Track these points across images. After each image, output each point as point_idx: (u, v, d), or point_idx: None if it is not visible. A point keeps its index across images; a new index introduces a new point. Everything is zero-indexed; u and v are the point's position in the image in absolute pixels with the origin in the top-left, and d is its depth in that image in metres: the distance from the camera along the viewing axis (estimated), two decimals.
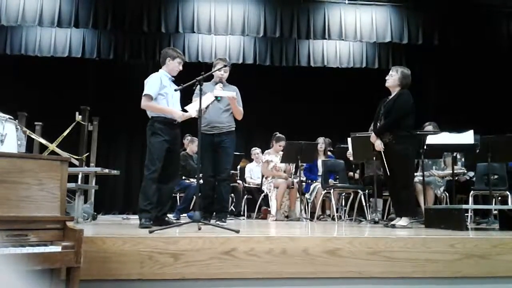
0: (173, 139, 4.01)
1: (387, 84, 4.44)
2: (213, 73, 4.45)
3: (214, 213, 4.59)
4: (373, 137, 4.41)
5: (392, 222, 4.26)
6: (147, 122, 4.04)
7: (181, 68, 4.18)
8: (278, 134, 6.73)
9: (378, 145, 4.32)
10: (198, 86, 3.66)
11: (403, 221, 4.21)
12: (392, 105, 4.28)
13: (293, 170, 6.74)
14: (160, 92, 4.00)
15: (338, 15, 8.64)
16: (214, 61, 4.76)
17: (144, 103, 3.98)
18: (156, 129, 3.93)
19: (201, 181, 4.36)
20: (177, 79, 4.21)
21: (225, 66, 4.35)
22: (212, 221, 4.12)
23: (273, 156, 6.62)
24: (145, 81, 4.06)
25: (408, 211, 4.28)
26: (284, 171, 6.63)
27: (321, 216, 6.47)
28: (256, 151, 7.43)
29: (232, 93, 4.44)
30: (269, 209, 6.53)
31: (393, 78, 4.38)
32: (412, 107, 4.28)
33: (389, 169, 4.31)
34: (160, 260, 2.46)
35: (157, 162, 3.87)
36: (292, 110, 9.24)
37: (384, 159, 4.34)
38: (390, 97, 4.43)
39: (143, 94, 3.98)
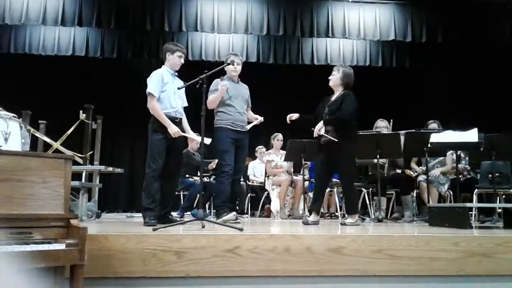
0: (174, 137, 3.99)
1: (330, 84, 4.45)
2: (225, 69, 4.43)
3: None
4: (318, 125, 4.28)
5: (343, 220, 4.28)
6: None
7: (182, 61, 4.16)
8: (275, 133, 6.83)
9: (320, 128, 4.22)
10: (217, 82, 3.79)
11: (350, 218, 4.25)
12: (338, 107, 4.24)
13: (291, 169, 6.78)
14: (161, 89, 4.00)
15: (342, 13, 8.62)
16: (226, 57, 4.65)
17: (150, 102, 3.98)
18: (157, 127, 3.93)
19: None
20: (181, 77, 4.21)
21: (231, 63, 4.32)
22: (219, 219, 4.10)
23: (274, 155, 6.67)
24: (148, 79, 4.06)
25: (351, 206, 4.35)
26: (287, 171, 6.66)
27: (326, 214, 6.48)
28: (262, 150, 7.43)
29: (260, 119, 4.58)
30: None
31: (335, 77, 4.39)
32: (356, 110, 4.26)
33: (334, 166, 4.32)
34: (164, 258, 2.46)
35: (158, 160, 3.88)
36: (295, 108, 9.17)
37: (325, 155, 4.31)
38: (333, 97, 4.42)
39: (147, 92, 3.98)
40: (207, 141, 4.04)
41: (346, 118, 4.19)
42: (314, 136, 4.30)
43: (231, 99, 4.47)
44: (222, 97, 4.41)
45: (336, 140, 4.13)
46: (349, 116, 4.20)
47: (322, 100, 4.51)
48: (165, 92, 4.01)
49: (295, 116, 4.45)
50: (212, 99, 4.36)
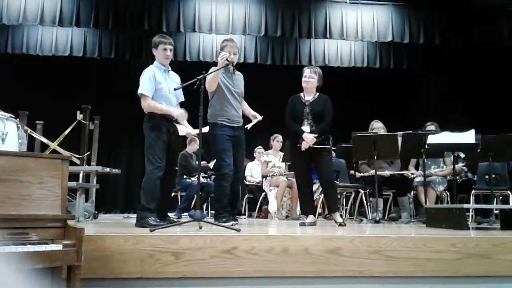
0: (171, 135, 3.90)
1: (308, 86, 4.48)
2: (222, 58, 4.04)
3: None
4: (309, 136, 4.26)
5: (340, 221, 4.24)
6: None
7: (169, 53, 3.95)
8: (274, 135, 6.84)
9: (312, 139, 4.23)
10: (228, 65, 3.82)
11: (339, 216, 4.30)
12: (323, 108, 4.38)
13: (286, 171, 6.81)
14: (156, 88, 3.85)
15: (340, 15, 8.64)
16: (221, 44, 4.37)
17: (144, 103, 3.84)
18: (156, 124, 3.81)
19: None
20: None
21: (226, 65, 4.04)
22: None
23: (272, 156, 6.72)
24: (140, 79, 3.91)
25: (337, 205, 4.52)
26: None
27: (326, 215, 6.48)
28: (260, 150, 7.45)
29: (259, 118, 4.42)
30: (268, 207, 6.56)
31: (315, 80, 4.47)
32: None
33: (317, 168, 4.39)
34: (161, 258, 2.46)
35: (162, 158, 3.76)
36: None
37: (307, 158, 4.34)
38: (309, 97, 4.47)
39: (139, 93, 3.84)
40: (205, 129, 3.95)
41: (329, 125, 4.38)
42: (303, 149, 4.25)
43: (227, 92, 4.23)
44: (218, 88, 4.17)
45: (329, 147, 4.35)
46: (331, 119, 4.39)
47: (293, 101, 4.53)
48: (160, 91, 3.86)
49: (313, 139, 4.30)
50: (212, 78, 4.01)
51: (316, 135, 4.25)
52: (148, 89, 3.84)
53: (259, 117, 4.44)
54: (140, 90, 3.84)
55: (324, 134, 4.32)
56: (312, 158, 4.34)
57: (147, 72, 3.90)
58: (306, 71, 4.52)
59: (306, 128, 4.33)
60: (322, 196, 6.17)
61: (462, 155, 5.56)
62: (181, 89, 4.07)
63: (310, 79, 4.46)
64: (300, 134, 4.31)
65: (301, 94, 4.55)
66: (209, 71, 3.97)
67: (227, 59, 4.00)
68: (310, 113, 4.39)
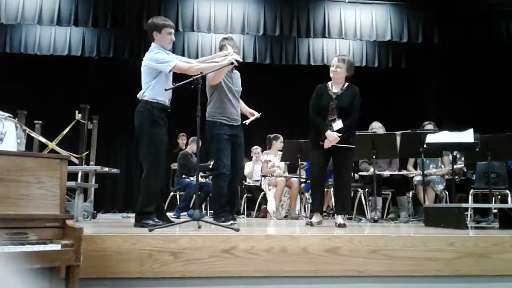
0: (167, 129, 3.72)
1: (336, 76, 4.16)
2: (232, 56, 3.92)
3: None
4: (332, 134, 4.02)
5: (340, 222, 4.08)
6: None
7: (173, 38, 3.74)
8: (274, 134, 6.83)
9: (335, 138, 4.01)
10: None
11: (340, 218, 4.13)
12: (351, 102, 4.11)
13: (286, 172, 6.81)
14: (155, 75, 3.60)
15: (338, 14, 8.65)
16: (220, 42, 4.35)
17: (177, 68, 3.56)
18: (156, 118, 3.56)
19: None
20: (177, 78, 4.12)
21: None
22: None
23: (272, 156, 6.72)
24: (150, 57, 3.63)
25: (348, 208, 4.28)
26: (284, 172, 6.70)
27: (324, 214, 6.50)
28: (257, 150, 7.44)
29: (257, 115, 4.38)
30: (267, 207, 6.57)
31: (342, 70, 4.14)
32: None
33: (335, 165, 4.20)
34: (160, 258, 2.45)
35: (162, 158, 3.59)
36: (292, 108, 9.21)
37: (328, 156, 4.17)
38: (336, 89, 4.19)
39: (168, 70, 3.56)
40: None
41: (356, 122, 4.15)
42: (326, 147, 4.03)
43: (228, 90, 4.19)
44: (218, 86, 4.12)
45: (353, 146, 4.08)
46: (359, 115, 4.15)
47: (319, 92, 4.23)
48: (159, 77, 3.60)
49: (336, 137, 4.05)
50: (217, 73, 3.91)
51: (340, 134, 4.01)
52: (170, 59, 3.58)
53: (257, 114, 4.40)
54: (169, 66, 3.56)
55: (349, 131, 4.08)
56: (333, 155, 4.13)
57: (157, 51, 3.64)
58: (334, 60, 4.22)
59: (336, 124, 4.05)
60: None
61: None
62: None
63: (337, 68, 4.14)
64: (323, 131, 4.04)
65: (329, 83, 4.25)
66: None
67: (236, 61, 3.84)
68: (336, 108, 4.10)
